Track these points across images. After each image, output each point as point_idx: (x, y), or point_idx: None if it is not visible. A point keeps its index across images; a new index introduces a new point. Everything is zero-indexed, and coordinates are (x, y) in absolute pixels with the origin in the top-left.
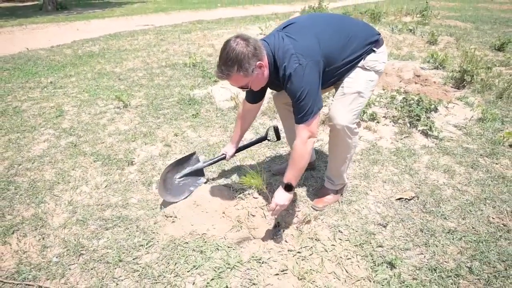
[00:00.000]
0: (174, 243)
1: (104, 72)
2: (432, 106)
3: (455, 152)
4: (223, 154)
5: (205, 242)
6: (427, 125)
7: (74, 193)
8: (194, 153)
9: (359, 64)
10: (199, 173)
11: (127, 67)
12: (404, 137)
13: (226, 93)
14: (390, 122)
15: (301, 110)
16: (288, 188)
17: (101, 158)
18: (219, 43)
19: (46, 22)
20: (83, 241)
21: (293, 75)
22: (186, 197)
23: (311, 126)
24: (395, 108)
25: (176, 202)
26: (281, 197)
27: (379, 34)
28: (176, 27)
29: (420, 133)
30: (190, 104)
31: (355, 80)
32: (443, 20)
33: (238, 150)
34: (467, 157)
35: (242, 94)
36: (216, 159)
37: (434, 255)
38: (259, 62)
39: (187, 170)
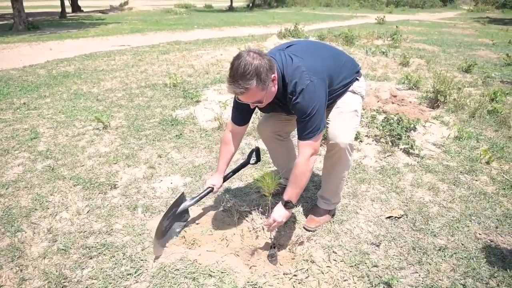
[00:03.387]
0: (165, 271)
1: (80, 92)
2: (412, 125)
3: (437, 170)
4: (210, 187)
5: (197, 268)
6: (408, 144)
7: (53, 220)
8: (181, 194)
9: (349, 89)
10: (184, 213)
11: (105, 88)
12: (387, 156)
13: (209, 114)
14: (373, 141)
15: (308, 127)
16: (288, 205)
17: (82, 182)
18: (199, 63)
19: (17, 42)
20: (66, 272)
21: (305, 91)
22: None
23: (316, 143)
24: (376, 128)
25: (164, 247)
26: (280, 213)
27: (360, 66)
28: (154, 48)
29: (402, 152)
30: (172, 124)
31: (349, 101)
32: (412, 43)
33: (225, 179)
34: (448, 175)
35: (226, 114)
36: (203, 194)
37: (429, 273)
38: (273, 75)
39: (172, 213)
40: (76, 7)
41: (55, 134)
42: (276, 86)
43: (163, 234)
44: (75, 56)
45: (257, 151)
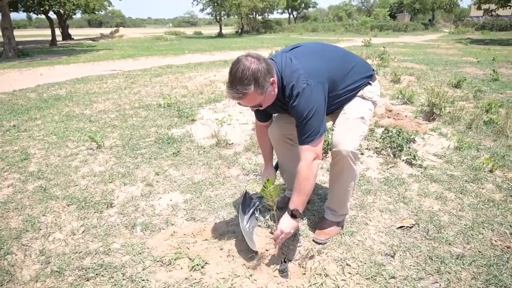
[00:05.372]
0: None
1: (72, 114)
2: (411, 137)
3: (442, 179)
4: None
5: (204, 286)
6: (410, 155)
7: (46, 241)
8: (246, 193)
9: (358, 94)
10: (256, 211)
11: (98, 109)
12: (390, 167)
13: (206, 131)
14: (374, 153)
15: (307, 130)
16: (295, 214)
17: (76, 201)
18: (192, 84)
19: (7, 68)
20: None
21: (301, 94)
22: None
23: (317, 147)
24: (376, 140)
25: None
26: (287, 224)
27: (373, 69)
28: (146, 71)
29: (405, 163)
30: (169, 143)
31: (357, 107)
32: (400, 63)
33: (276, 168)
34: (454, 184)
35: (223, 131)
36: None
37: (449, 282)
38: (272, 78)
39: (248, 214)
40: (66, 35)
41: (46, 154)
42: (276, 90)
43: (250, 233)
44: (66, 80)
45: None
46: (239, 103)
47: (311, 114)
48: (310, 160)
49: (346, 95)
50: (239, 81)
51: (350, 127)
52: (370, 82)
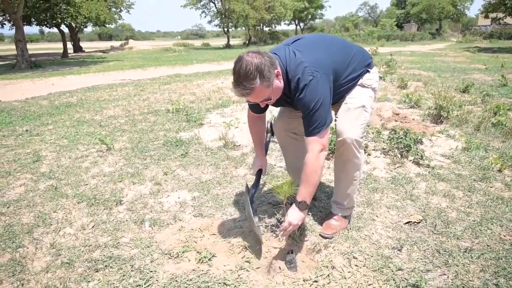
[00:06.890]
0: (176, 281)
1: (83, 120)
2: (418, 138)
3: (450, 178)
4: (259, 169)
5: (211, 278)
6: (418, 154)
7: (56, 235)
8: (246, 186)
9: (358, 83)
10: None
11: (108, 115)
12: (397, 167)
13: (214, 133)
14: (381, 154)
15: (314, 122)
16: (302, 206)
17: (86, 199)
18: (200, 91)
19: (20, 78)
20: (71, 285)
21: (308, 86)
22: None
23: (323, 139)
24: (383, 142)
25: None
26: (295, 215)
27: (371, 57)
28: (155, 80)
29: (412, 163)
30: (177, 145)
31: (357, 96)
32: (407, 70)
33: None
34: (462, 182)
35: (230, 134)
36: (258, 177)
37: (457, 274)
38: (276, 70)
39: (250, 209)
40: (77, 48)
41: (58, 157)
42: (282, 81)
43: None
44: (77, 89)
45: (271, 126)
46: (248, 101)
47: (318, 106)
48: (317, 151)
49: (347, 85)
50: (244, 77)
51: (352, 117)
52: (369, 69)
